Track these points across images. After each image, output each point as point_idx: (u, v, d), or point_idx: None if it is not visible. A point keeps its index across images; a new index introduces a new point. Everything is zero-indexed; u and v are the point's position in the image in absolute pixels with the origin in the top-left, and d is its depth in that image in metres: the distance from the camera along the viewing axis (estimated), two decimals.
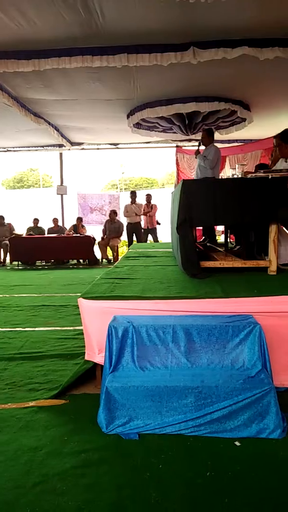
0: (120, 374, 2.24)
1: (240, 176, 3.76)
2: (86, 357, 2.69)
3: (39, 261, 9.90)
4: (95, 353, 2.63)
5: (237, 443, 2.04)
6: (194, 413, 2.09)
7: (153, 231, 10.24)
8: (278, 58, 4.79)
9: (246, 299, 2.62)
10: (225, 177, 6.94)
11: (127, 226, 10.08)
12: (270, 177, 3.33)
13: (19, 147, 11.04)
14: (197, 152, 5.84)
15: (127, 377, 2.20)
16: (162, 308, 2.61)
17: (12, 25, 4.30)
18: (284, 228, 3.68)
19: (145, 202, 10.25)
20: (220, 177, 6.00)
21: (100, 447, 2.01)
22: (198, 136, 8.19)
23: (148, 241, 10.25)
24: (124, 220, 10.33)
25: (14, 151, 11.29)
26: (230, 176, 4.36)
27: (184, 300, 2.65)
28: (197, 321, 2.40)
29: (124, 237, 10.39)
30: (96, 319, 2.64)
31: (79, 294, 2.82)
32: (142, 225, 10.21)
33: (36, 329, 4.05)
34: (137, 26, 4.44)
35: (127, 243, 11.33)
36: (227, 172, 8.41)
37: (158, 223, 10.32)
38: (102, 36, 4.65)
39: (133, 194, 10.20)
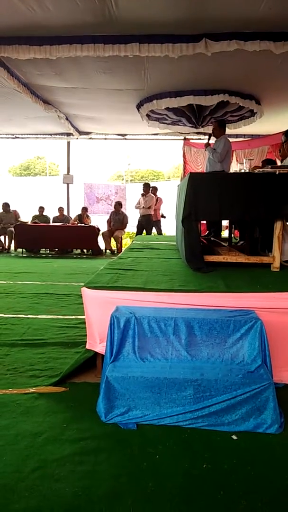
0: (121, 364, 2.26)
1: (247, 170, 3.73)
2: (87, 346, 2.71)
3: (43, 249, 9.93)
4: (97, 342, 2.65)
5: (234, 437, 2.06)
6: (193, 405, 2.11)
7: (157, 224, 10.20)
8: None
9: (248, 294, 2.62)
10: (232, 171, 6.88)
11: (138, 219, 9.75)
12: (277, 172, 3.32)
13: (27, 134, 11.01)
14: (207, 145, 5.79)
15: (128, 367, 2.22)
16: (164, 300, 2.62)
17: (24, 9, 4.26)
18: None
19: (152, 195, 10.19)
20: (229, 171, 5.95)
21: (99, 436, 2.03)
22: (207, 129, 8.15)
23: (152, 234, 10.23)
24: (132, 212, 10.20)
25: (22, 138, 11.26)
26: (238, 171, 4.33)
27: (186, 294, 2.65)
28: (199, 315, 2.41)
29: (128, 228, 10.32)
30: (99, 308, 2.65)
31: (82, 284, 2.84)
32: None
33: (39, 316, 4.08)
34: (150, 16, 4.39)
35: (131, 235, 11.30)
36: (234, 167, 8.34)
37: (163, 216, 10.29)
38: (114, 25, 4.60)
39: (146, 186, 9.84)
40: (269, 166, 3.56)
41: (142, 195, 9.69)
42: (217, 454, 1.92)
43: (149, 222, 9.69)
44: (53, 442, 1.98)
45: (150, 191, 9.75)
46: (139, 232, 9.71)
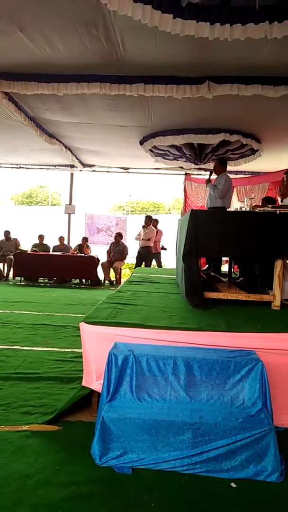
0: (117, 404, 2.20)
1: (248, 209, 3.79)
2: (84, 383, 2.65)
3: (42, 278, 9.90)
4: (93, 379, 2.59)
5: (233, 485, 1.98)
6: (191, 450, 2.04)
7: (157, 256, 10.24)
8: None
9: (249, 334, 2.59)
10: (233, 208, 6.98)
11: (138, 251, 9.80)
12: (278, 212, 3.36)
13: (31, 165, 11.22)
14: (208, 181, 5.90)
15: (124, 408, 2.16)
16: (163, 338, 2.59)
17: (36, 49, 4.44)
18: None
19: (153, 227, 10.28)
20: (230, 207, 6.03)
21: (92, 480, 1.95)
22: (208, 165, 8.33)
23: (152, 266, 10.24)
24: (132, 243, 10.28)
25: (26, 168, 11.46)
26: (238, 209, 4.39)
27: (186, 332, 2.62)
28: (199, 354, 2.37)
29: (128, 259, 10.34)
30: (97, 344, 2.61)
31: (80, 315, 2.82)
32: None
33: (34, 348, 4.02)
34: (156, 59, 4.57)
35: (130, 266, 11.30)
36: (235, 204, 8.48)
37: (164, 248, 10.34)
38: (121, 66, 4.80)
39: (147, 219, 9.96)
40: (270, 205, 3.61)
41: (143, 227, 9.78)
42: (216, 503, 1.84)
43: (148, 254, 9.72)
44: (44, 486, 1.90)
45: (151, 223, 9.85)
46: (138, 263, 9.72)
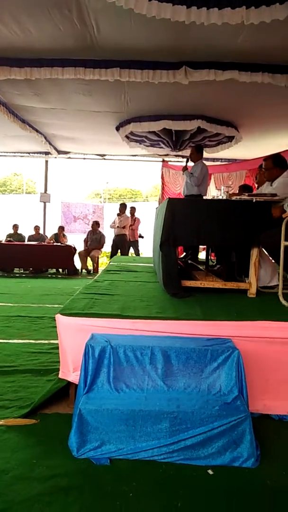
0: (95, 395, 2.18)
1: (225, 197, 3.79)
2: (60, 375, 2.61)
3: (17, 269, 9.72)
4: (70, 371, 2.56)
5: (210, 472, 2.00)
6: (168, 438, 2.04)
7: (134, 244, 10.22)
8: (267, 83, 4.91)
9: (225, 323, 2.61)
10: (210, 196, 7.00)
11: (113, 238, 9.87)
12: (254, 200, 3.37)
13: (5, 152, 10.92)
14: (185, 169, 5.88)
15: (102, 399, 2.14)
16: (141, 328, 2.57)
17: (6, 32, 4.27)
18: (265, 251, 3.71)
19: (129, 215, 10.24)
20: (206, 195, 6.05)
21: (70, 472, 1.94)
22: (185, 151, 8.31)
23: (130, 254, 10.22)
24: (110, 231, 10.24)
25: (0, 155, 11.15)
26: (215, 197, 4.39)
27: (163, 321, 2.62)
28: (176, 343, 2.37)
29: (105, 248, 10.30)
30: (73, 336, 2.57)
31: (56, 306, 2.77)
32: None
33: (10, 341, 3.94)
34: (131, 43, 4.48)
35: (107, 254, 11.25)
36: (212, 192, 8.51)
37: (141, 236, 10.32)
38: (96, 50, 4.68)
39: (122, 206, 10.00)
40: (246, 193, 3.62)
41: (118, 214, 9.75)
42: (193, 490, 1.85)
43: (124, 242, 9.73)
44: (21, 481, 1.87)
45: (125, 211, 9.83)
46: (114, 252, 9.72)
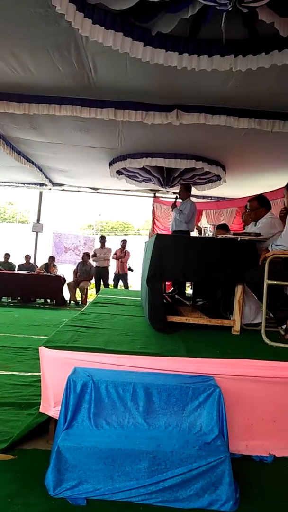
0: (74, 432, 2.15)
1: (211, 235, 3.88)
2: (41, 410, 2.58)
3: (6, 298, 9.65)
4: (51, 405, 2.53)
5: None
6: (147, 479, 2.01)
7: (123, 277, 10.27)
8: (253, 129, 5.14)
9: (208, 360, 2.63)
10: (202, 227, 7.12)
11: (95, 270, 10.13)
12: (239, 239, 3.47)
13: (0, 182, 11.07)
14: (174, 205, 6.03)
15: (81, 436, 2.12)
16: (125, 363, 2.57)
17: (7, 70, 4.46)
18: (249, 289, 3.78)
19: (120, 247, 10.36)
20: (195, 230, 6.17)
21: None
22: (176, 189, 8.52)
23: (118, 287, 10.25)
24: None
25: None
26: (208, 228, 4.50)
27: (147, 357, 2.62)
28: (158, 380, 2.37)
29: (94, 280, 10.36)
30: (56, 369, 2.56)
31: (42, 337, 2.77)
32: (114, 270, 10.26)
33: None
34: (126, 84, 4.69)
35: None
36: (204, 223, 8.77)
37: (130, 270, 10.38)
38: (92, 90, 4.88)
39: (102, 239, 10.51)
40: (232, 233, 3.72)
41: (101, 247, 10.23)
42: None
43: (106, 273, 10.11)
44: None
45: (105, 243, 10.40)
46: (98, 283, 10.01)
